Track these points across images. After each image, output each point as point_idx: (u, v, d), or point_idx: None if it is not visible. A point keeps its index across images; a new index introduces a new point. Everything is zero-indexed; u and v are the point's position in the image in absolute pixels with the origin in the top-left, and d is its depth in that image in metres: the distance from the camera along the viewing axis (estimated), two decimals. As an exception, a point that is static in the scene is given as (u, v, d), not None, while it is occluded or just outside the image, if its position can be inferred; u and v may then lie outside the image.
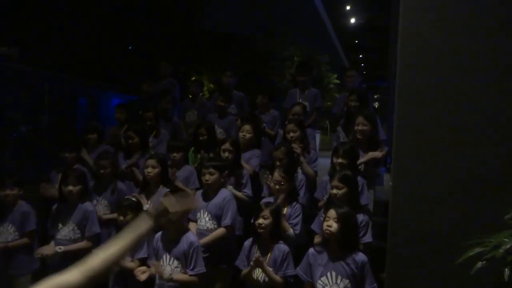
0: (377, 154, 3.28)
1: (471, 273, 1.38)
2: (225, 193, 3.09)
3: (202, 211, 3.06)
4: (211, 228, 3.01)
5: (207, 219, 3.03)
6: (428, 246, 2.41)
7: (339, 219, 2.28)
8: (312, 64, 6.47)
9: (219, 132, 4.44)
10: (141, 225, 1.23)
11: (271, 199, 3.04)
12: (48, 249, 2.99)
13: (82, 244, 3.07)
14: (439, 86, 2.38)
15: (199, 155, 3.93)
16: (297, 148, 3.48)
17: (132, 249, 1.19)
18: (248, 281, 2.64)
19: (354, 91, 4.07)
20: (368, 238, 2.70)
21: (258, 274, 2.59)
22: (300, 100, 4.56)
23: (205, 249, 2.85)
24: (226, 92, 4.88)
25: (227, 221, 2.98)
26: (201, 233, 3.00)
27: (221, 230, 2.99)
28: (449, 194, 2.37)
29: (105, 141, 4.36)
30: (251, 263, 2.58)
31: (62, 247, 2.98)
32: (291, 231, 2.91)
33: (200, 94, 5.75)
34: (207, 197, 3.09)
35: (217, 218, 3.01)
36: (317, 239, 2.76)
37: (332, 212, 2.32)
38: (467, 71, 2.33)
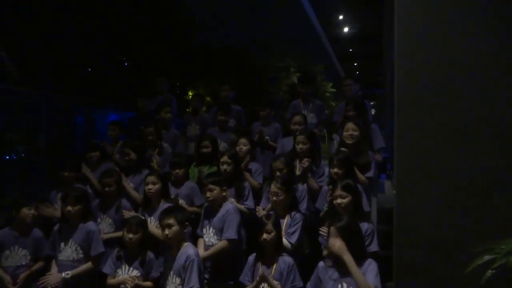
0: None
1: (482, 282, 1.36)
2: (228, 206, 3.09)
3: (207, 226, 3.06)
4: (215, 243, 3.01)
5: (211, 234, 3.03)
6: (435, 253, 2.39)
7: (340, 234, 2.26)
8: (314, 75, 6.50)
9: (222, 146, 4.42)
10: None
11: (271, 212, 3.03)
12: (55, 278, 2.92)
13: (87, 265, 3.03)
14: (438, 92, 2.39)
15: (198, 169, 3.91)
16: (304, 163, 3.48)
17: None
18: None
19: (351, 101, 4.09)
20: (374, 247, 2.67)
21: None
22: (305, 112, 4.57)
23: (209, 263, 2.82)
24: (225, 106, 4.88)
25: (228, 234, 2.96)
26: (207, 248, 3.00)
27: (222, 243, 2.97)
28: (454, 199, 2.36)
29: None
30: (257, 278, 2.55)
31: (69, 272, 2.94)
32: (287, 243, 2.89)
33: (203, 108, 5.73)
34: (211, 213, 3.09)
35: (221, 232, 3.00)
36: (325, 252, 2.73)
37: (332, 230, 2.30)
38: (465, 75, 2.35)
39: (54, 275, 2.94)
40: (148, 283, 2.81)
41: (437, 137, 2.39)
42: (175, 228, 2.61)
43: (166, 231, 2.61)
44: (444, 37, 2.39)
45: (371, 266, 2.24)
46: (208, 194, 3.05)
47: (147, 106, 5.42)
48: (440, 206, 2.38)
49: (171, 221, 2.61)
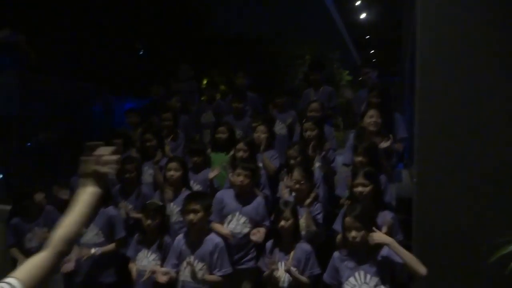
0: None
1: (508, 271, 1.35)
2: (260, 197, 3.14)
3: (235, 214, 3.04)
4: (243, 231, 3.01)
5: (241, 222, 3.03)
6: (454, 243, 2.38)
7: (363, 224, 2.24)
8: (323, 61, 6.43)
9: (238, 133, 4.43)
10: (86, 194, 1.23)
11: (289, 199, 3.04)
12: (85, 251, 3.02)
13: (111, 246, 3.13)
14: (461, 82, 2.35)
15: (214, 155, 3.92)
16: (311, 148, 3.48)
17: (87, 219, 1.21)
18: (270, 282, 2.63)
19: (375, 87, 4.03)
20: (400, 236, 2.62)
21: (281, 275, 2.59)
22: (315, 99, 4.53)
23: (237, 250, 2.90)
24: (240, 93, 4.89)
25: (268, 222, 3.03)
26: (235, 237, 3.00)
27: (263, 230, 3.00)
28: (475, 190, 2.34)
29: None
30: (272, 266, 2.58)
31: (99, 249, 3.05)
32: (313, 228, 2.91)
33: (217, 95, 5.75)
34: (240, 201, 3.08)
35: (253, 222, 3.03)
36: (339, 238, 2.73)
37: (350, 221, 2.26)
38: (489, 66, 2.30)
39: (83, 249, 3.04)
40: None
41: (459, 128, 2.36)
42: (200, 214, 2.66)
43: (191, 216, 2.65)
44: (469, 25, 2.33)
45: (392, 256, 2.23)
46: (242, 178, 3.01)
47: (162, 93, 5.46)
48: (460, 197, 2.37)
49: (197, 206, 2.65)
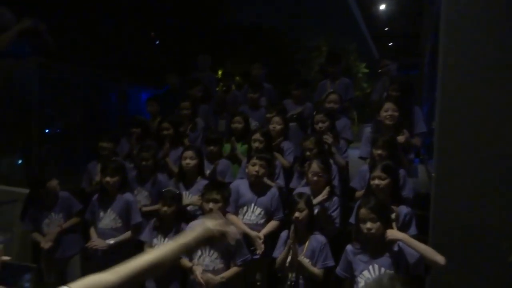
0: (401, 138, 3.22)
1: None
2: (274, 188, 3.16)
3: (251, 205, 3.06)
4: (259, 223, 3.03)
5: (256, 213, 3.04)
6: (471, 240, 2.34)
7: (378, 216, 2.22)
8: (340, 53, 6.35)
9: (253, 125, 4.44)
10: (192, 234, 1.21)
11: (303, 189, 3.03)
12: (100, 243, 3.09)
13: (127, 234, 3.18)
14: (483, 79, 2.30)
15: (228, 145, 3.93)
16: (328, 138, 3.46)
17: (177, 257, 1.18)
18: (284, 268, 2.63)
19: (396, 80, 3.97)
20: (413, 230, 2.60)
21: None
22: (332, 90, 4.46)
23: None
24: (256, 84, 4.87)
25: (281, 215, 3.04)
26: (251, 228, 3.00)
27: (276, 223, 3.03)
28: (494, 187, 2.30)
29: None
30: (285, 248, 2.58)
31: (112, 240, 3.11)
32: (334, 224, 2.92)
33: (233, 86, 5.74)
34: (255, 191, 3.09)
35: (268, 213, 3.04)
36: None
37: (365, 213, 2.23)
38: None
39: (100, 240, 3.11)
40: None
41: (479, 124, 2.31)
42: (220, 203, 2.68)
43: (211, 205, 2.67)
44: (493, 20, 2.27)
45: (407, 249, 2.21)
46: (258, 168, 3.01)
47: (177, 82, 5.47)
48: (478, 193, 2.33)
49: (218, 196, 2.68)
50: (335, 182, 3.31)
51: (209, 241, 1.26)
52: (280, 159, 3.70)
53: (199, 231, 1.24)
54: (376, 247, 2.26)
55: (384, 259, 2.23)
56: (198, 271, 2.57)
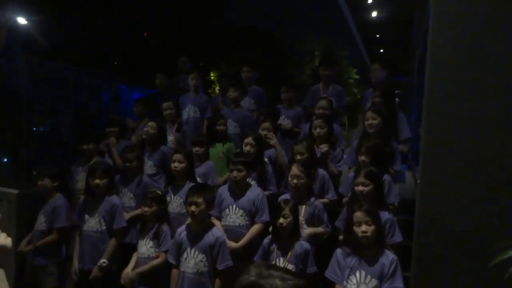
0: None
1: (505, 277, 1.35)
2: (257, 190, 3.12)
3: (231, 207, 3.05)
4: (242, 225, 3.01)
5: (238, 215, 3.03)
6: (455, 246, 2.37)
7: (373, 220, 2.24)
8: (335, 58, 6.36)
9: (233, 126, 4.40)
10: None
11: (287, 196, 3.03)
12: (95, 272, 3.06)
13: (113, 243, 3.14)
14: (470, 82, 2.32)
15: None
16: (323, 148, 3.47)
17: None
18: None
19: (379, 87, 3.99)
20: (398, 237, 2.64)
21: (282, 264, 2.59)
22: (324, 96, 4.45)
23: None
24: (239, 84, 4.75)
25: (264, 217, 3.00)
26: (230, 230, 3.00)
27: (258, 227, 3.00)
28: (479, 192, 2.32)
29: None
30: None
31: (106, 261, 3.06)
32: (321, 229, 2.95)
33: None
34: (235, 194, 3.09)
35: (250, 215, 3.02)
36: (341, 237, 2.74)
37: (360, 216, 2.25)
38: (500, 69, 2.27)
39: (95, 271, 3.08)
40: (159, 260, 2.92)
41: (465, 130, 2.34)
42: (202, 206, 2.67)
43: (193, 208, 2.66)
44: (482, 27, 2.30)
45: (398, 269, 2.23)
46: (235, 173, 3.01)
47: (166, 83, 5.42)
48: (463, 199, 2.35)
49: (199, 199, 2.66)
50: (330, 189, 3.32)
51: None
52: (280, 158, 3.73)
53: None
54: (366, 252, 2.28)
55: (372, 266, 2.24)
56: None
